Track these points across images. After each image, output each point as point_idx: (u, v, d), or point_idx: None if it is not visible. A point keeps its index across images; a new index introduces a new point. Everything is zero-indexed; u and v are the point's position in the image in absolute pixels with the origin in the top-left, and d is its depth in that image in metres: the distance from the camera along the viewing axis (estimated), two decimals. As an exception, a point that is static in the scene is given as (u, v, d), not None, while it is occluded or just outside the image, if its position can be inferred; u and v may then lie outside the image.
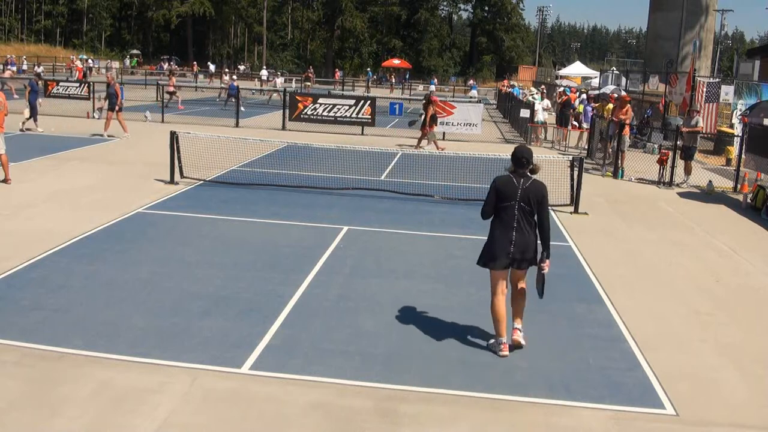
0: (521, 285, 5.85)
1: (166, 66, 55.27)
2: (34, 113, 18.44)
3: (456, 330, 6.19)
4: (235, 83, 28.66)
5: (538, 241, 5.72)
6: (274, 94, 33.79)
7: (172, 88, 29.23)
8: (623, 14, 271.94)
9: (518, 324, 5.83)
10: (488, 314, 5.88)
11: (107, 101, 18.39)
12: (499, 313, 5.71)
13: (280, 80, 40.60)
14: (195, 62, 57.35)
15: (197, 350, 5.50)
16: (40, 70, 39.26)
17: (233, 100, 25.44)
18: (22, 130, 17.91)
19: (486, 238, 5.85)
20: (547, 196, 5.70)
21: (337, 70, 65.08)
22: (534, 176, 5.69)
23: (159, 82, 31.53)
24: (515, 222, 5.60)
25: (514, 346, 5.77)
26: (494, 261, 5.68)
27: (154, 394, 4.79)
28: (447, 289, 7.27)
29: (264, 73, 47.24)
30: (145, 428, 4.39)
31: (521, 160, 5.63)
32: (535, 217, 5.65)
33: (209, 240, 8.78)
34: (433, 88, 41.62)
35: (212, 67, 57.47)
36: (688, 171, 15.06)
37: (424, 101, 20.28)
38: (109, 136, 18.06)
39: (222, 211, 10.28)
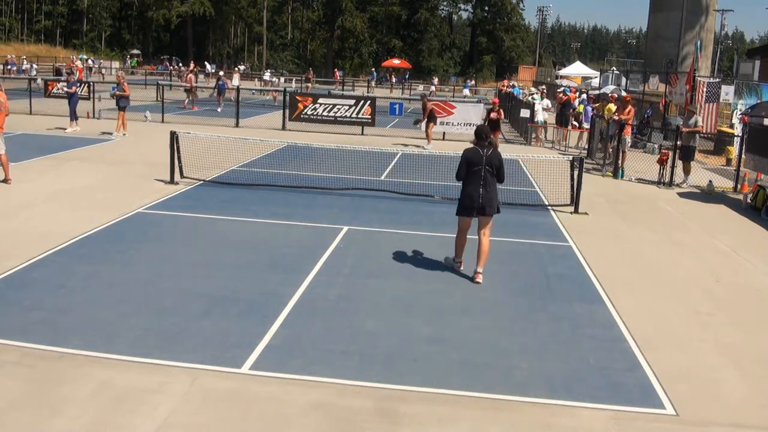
0: (486, 232, 7.55)
1: (171, 66, 55.15)
2: (72, 115, 18.75)
3: (456, 330, 6.19)
4: (224, 80, 28.93)
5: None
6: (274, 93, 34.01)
7: (189, 85, 29.14)
8: (623, 14, 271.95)
9: (480, 268, 7.51)
10: (488, 313, 6.69)
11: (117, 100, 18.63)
12: (461, 243, 7.73)
13: (276, 80, 40.84)
14: (192, 62, 57.14)
15: (197, 350, 5.50)
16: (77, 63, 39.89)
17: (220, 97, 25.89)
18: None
19: None
20: (503, 161, 7.55)
21: (336, 70, 64.96)
22: (492, 147, 7.52)
23: (159, 82, 31.47)
24: (482, 181, 7.41)
25: (474, 282, 7.48)
26: (468, 210, 7.52)
27: (154, 394, 4.79)
28: (447, 289, 7.27)
29: (267, 74, 47.34)
30: (145, 428, 4.39)
31: (482, 135, 7.56)
32: (496, 177, 7.50)
33: (209, 240, 8.78)
34: (433, 88, 41.66)
35: (209, 67, 57.27)
36: (686, 171, 15.06)
37: (422, 101, 20.35)
38: (108, 133, 18.11)
39: (222, 211, 10.28)
